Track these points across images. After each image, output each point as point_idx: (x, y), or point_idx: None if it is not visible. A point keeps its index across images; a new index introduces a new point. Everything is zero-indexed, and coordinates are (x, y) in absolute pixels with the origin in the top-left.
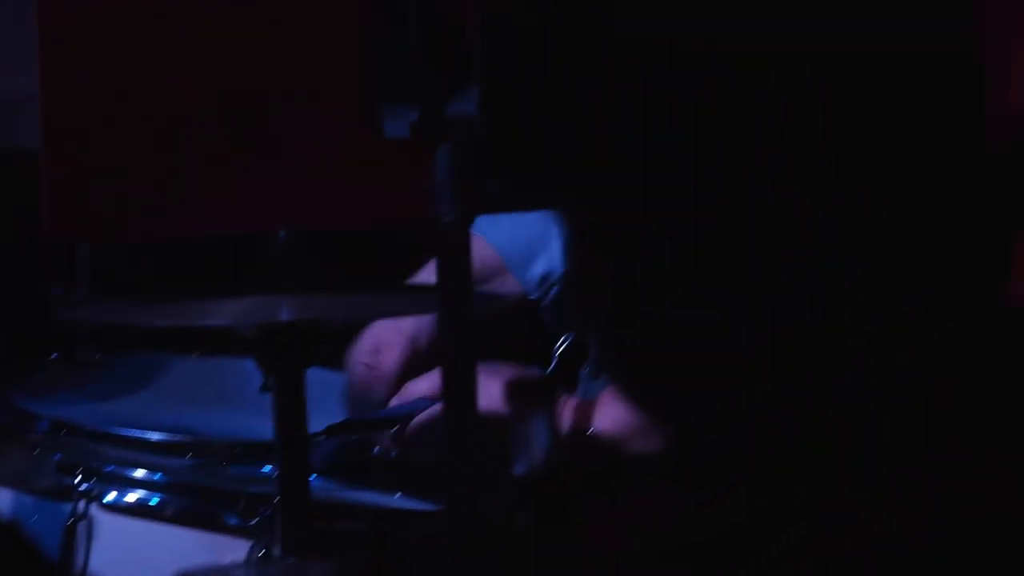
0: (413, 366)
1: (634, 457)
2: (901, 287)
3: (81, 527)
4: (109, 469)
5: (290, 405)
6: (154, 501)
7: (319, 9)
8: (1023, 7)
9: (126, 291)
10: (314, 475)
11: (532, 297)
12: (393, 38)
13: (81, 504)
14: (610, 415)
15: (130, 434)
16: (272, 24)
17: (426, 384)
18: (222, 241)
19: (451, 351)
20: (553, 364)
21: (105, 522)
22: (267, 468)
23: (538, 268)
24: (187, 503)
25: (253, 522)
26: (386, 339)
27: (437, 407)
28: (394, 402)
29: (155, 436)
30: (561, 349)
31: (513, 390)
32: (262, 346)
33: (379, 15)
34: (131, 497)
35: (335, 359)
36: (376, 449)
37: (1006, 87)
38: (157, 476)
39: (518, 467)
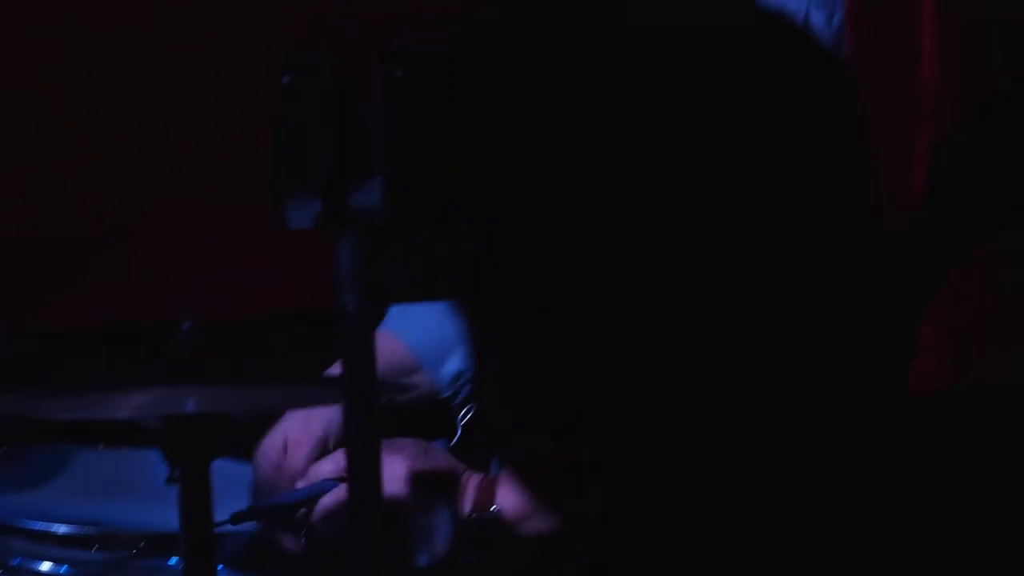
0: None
1: (536, 537)
2: (793, 378)
3: None
4: (15, 562)
5: (196, 497)
6: None
7: (219, 99)
8: (925, 83)
9: (30, 382)
10: (221, 566)
11: (443, 395)
12: (296, 129)
13: None
14: (511, 494)
15: (36, 527)
16: (174, 115)
17: (331, 465)
18: (128, 331)
19: (355, 443)
20: (457, 435)
21: None
22: (174, 560)
23: (451, 366)
24: None
25: None
26: (296, 437)
27: (342, 488)
28: (299, 484)
29: (61, 529)
30: (465, 420)
31: (416, 475)
32: (168, 438)
33: (282, 106)
34: None
35: (244, 449)
36: (285, 539)
37: (906, 164)
38: (64, 569)
39: (421, 558)
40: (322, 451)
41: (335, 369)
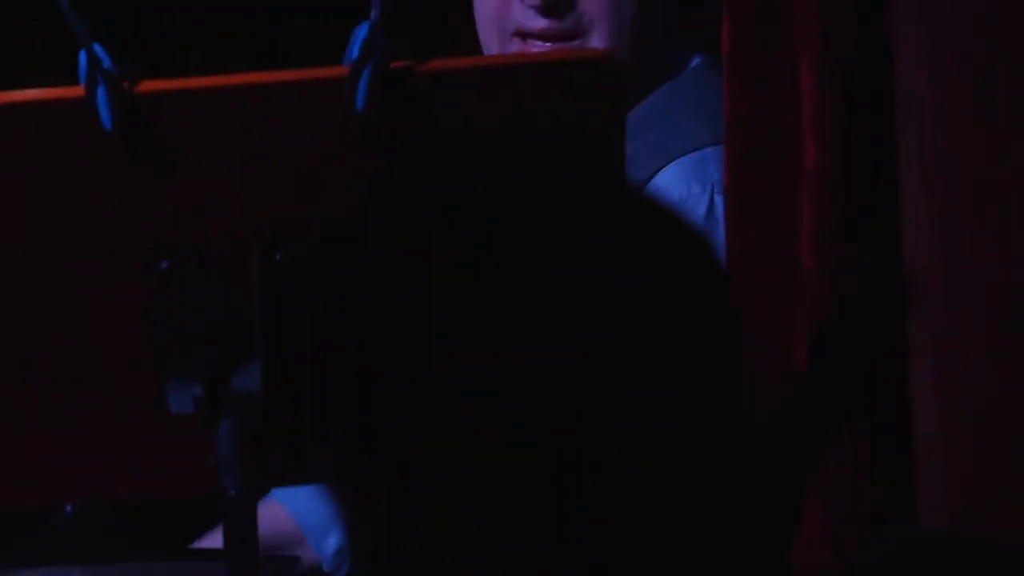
0: None
1: None
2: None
3: None
4: None
5: None
6: None
7: (102, 288)
8: (804, 267)
9: None
10: None
11: (327, 569)
12: (175, 314)
13: None
14: None
15: None
16: (57, 299)
17: None
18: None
19: None
20: None
21: None
22: None
23: (334, 541)
24: None
25: None
26: None
27: None
28: None
29: None
30: None
31: None
32: None
33: (163, 292)
34: None
35: None
36: None
37: (786, 343)
38: None
39: None
40: None
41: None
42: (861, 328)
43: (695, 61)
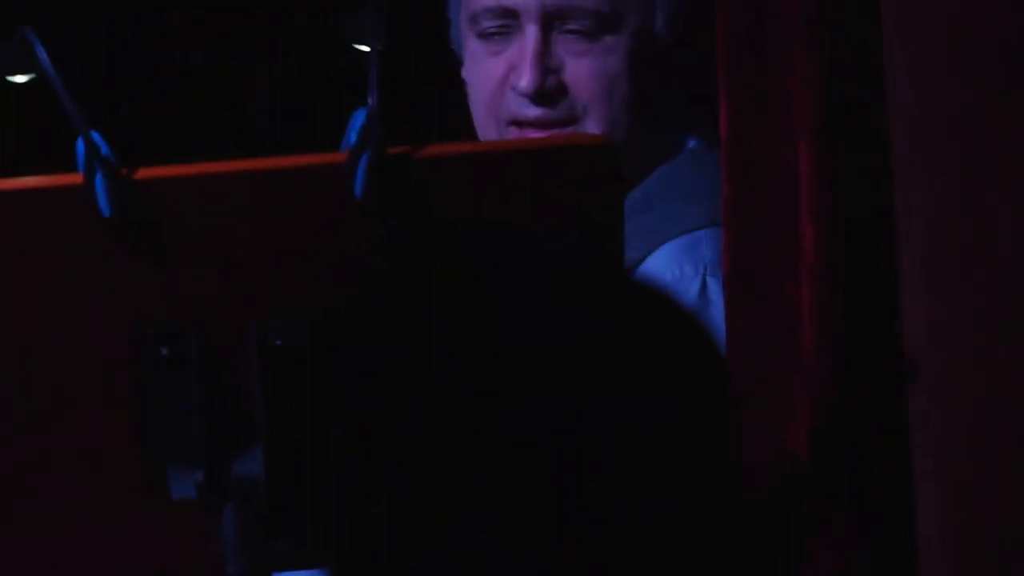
0: None
1: None
2: None
3: None
4: None
5: None
6: None
7: (102, 374)
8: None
9: None
10: None
11: None
12: (175, 399)
13: None
14: None
15: None
16: (57, 385)
17: None
18: None
19: None
20: None
21: None
22: None
23: None
24: None
25: None
26: None
27: None
28: None
29: None
30: None
31: None
32: None
33: (163, 377)
34: None
35: None
36: None
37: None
38: None
39: None
40: None
41: None
42: (860, 408)
43: (691, 143)
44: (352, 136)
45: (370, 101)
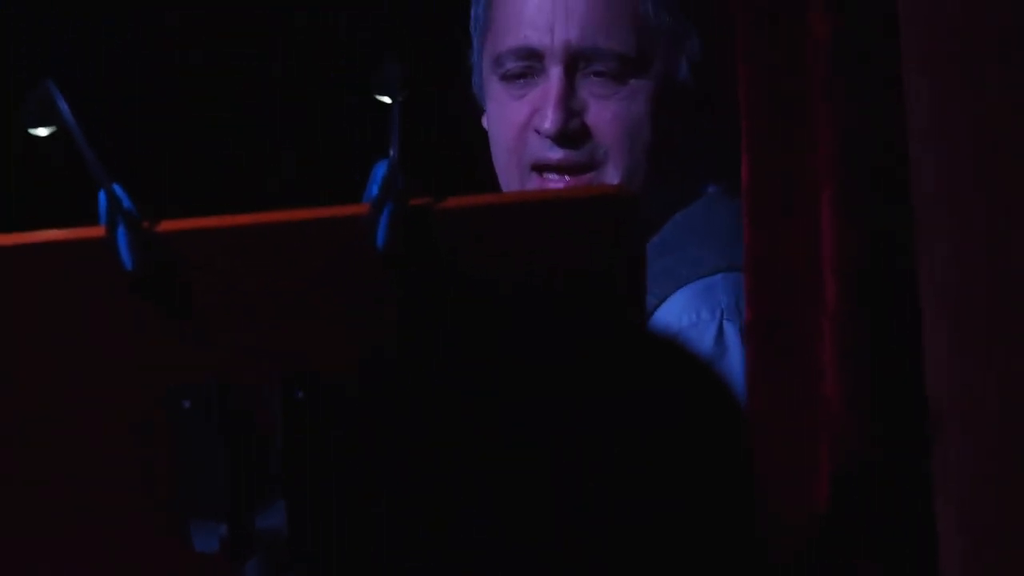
0: None
1: None
2: None
3: None
4: None
5: None
6: None
7: (124, 427)
8: (828, 400)
9: None
10: None
11: None
12: (197, 453)
13: None
14: None
15: None
16: (80, 437)
17: None
18: None
19: None
20: None
21: None
22: None
23: None
24: None
25: None
26: None
27: None
28: None
29: None
30: None
31: None
32: None
33: (185, 431)
34: None
35: None
36: None
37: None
38: None
39: None
40: None
41: None
42: (883, 461)
43: (710, 189)
44: (374, 188)
45: (391, 153)
